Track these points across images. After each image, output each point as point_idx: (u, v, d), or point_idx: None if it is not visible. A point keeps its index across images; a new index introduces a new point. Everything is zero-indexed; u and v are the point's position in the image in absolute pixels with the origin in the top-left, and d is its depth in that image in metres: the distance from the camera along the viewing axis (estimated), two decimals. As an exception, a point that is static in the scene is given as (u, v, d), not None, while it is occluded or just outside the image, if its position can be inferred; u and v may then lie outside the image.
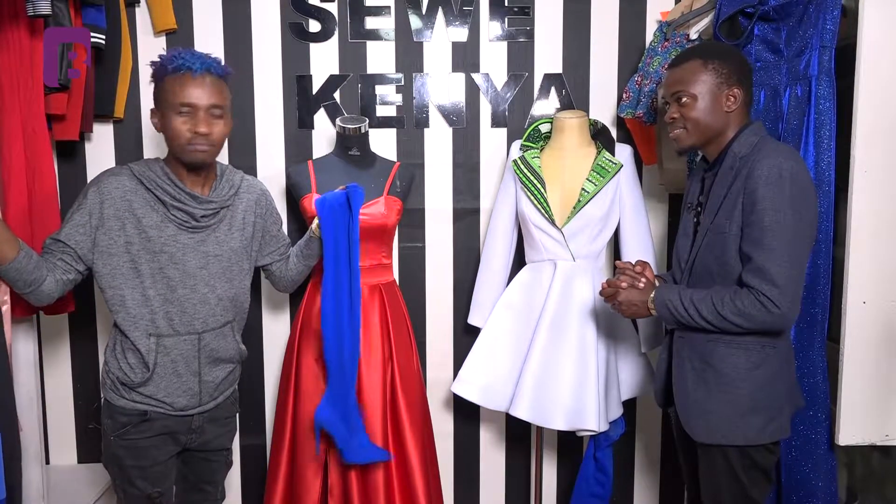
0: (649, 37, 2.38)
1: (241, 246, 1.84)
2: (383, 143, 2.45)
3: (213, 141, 1.69)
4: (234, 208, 1.82)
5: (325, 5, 2.41)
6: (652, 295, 1.67)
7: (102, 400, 1.79)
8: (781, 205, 1.51)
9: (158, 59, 1.69)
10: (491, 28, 2.44)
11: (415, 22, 2.42)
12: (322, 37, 2.43)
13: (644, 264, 1.78)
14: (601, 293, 1.80)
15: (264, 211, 1.91)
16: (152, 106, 1.74)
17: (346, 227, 1.91)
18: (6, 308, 1.82)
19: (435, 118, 2.48)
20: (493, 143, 2.49)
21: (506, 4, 2.43)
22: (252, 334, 2.54)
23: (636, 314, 1.73)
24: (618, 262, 1.83)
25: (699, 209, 1.72)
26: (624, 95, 2.30)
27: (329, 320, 1.95)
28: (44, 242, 1.71)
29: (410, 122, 2.47)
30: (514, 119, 2.47)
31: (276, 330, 2.53)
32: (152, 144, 2.43)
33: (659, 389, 1.82)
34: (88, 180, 2.36)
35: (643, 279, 1.74)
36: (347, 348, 1.95)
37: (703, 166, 1.74)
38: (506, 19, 2.43)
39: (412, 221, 2.50)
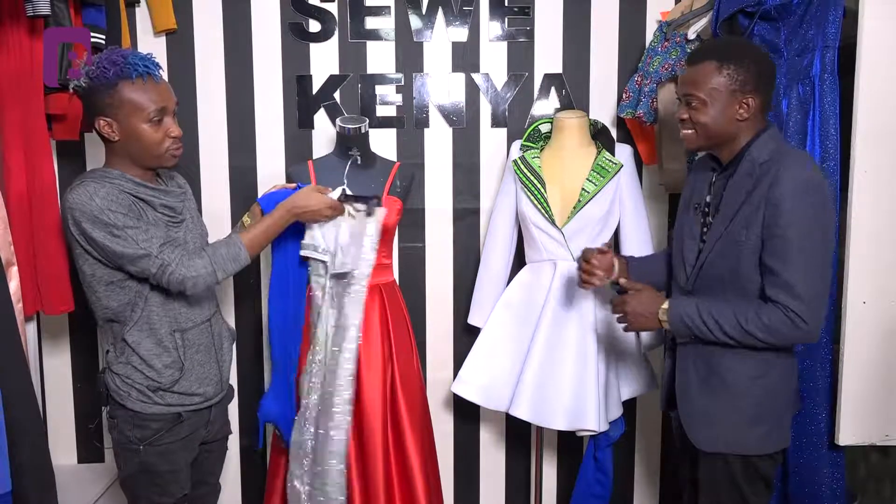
0: (649, 37, 2.38)
1: (202, 233, 1.86)
2: (383, 143, 2.45)
3: (181, 140, 1.70)
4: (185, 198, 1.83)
5: (325, 5, 2.41)
6: (664, 306, 1.62)
7: (122, 413, 1.71)
8: (807, 218, 1.48)
9: (101, 65, 1.58)
10: (491, 28, 2.44)
11: (415, 22, 2.42)
12: (322, 37, 2.43)
13: (601, 255, 1.82)
14: (613, 311, 1.74)
15: (192, 198, 1.90)
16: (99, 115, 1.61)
17: (299, 226, 1.99)
18: (20, 307, 1.83)
19: (435, 118, 2.48)
20: (493, 143, 2.49)
21: (506, 4, 2.43)
22: (252, 334, 2.54)
23: (644, 326, 1.68)
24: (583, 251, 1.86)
25: (706, 210, 1.68)
26: (624, 95, 2.30)
27: (276, 314, 2.07)
28: (157, 255, 1.61)
29: (410, 122, 2.47)
30: (514, 119, 2.47)
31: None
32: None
33: (664, 395, 1.79)
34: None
35: (598, 272, 1.79)
36: (291, 342, 2.07)
37: (711, 165, 1.70)
38: (506, 19, 2.43)
39: (412, 221, 2.50)
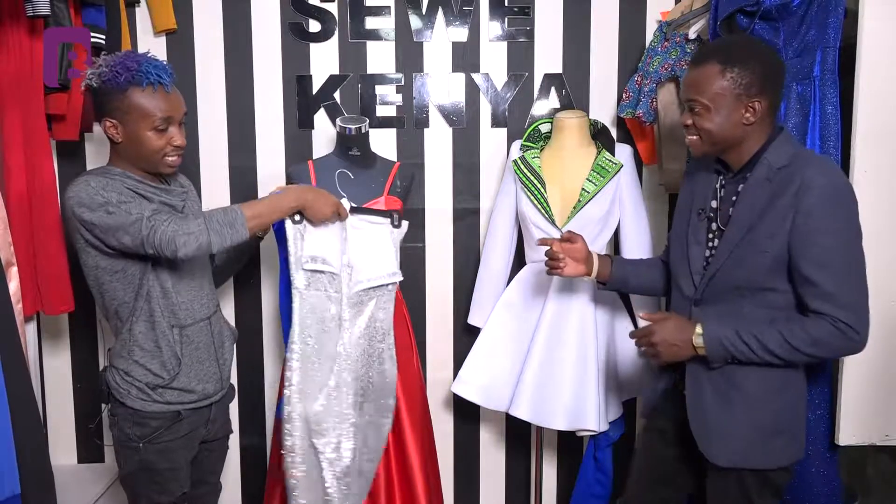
0: (649, 37, 2.38)
1: None
2: (383, 143, 2.45)
3: (183, 150, 1.72)
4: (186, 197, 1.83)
5: (325, 5, 2.41)
6: (698, 331, 1.54)
7: (122, 411, 1.72)
8: (842, 225, 1.46)
9: (114, 69, 1.60)
10: (491, 28, 2.44)
11: (415, 22, 2.42)
12: (322, 37, 2.43)
13: (568, 243, 1.82)
14: (636, 343, 1.65)
15: (195, 198, 1.91)
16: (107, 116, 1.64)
17: None
18: (20, 307, 1.83)
19: (435, 118, 2.47)
20: (493, 143, 2.49)
21: (506, 4, 2.42)
22: (252, 334, 2.54)
23: (678, 356, 1.57)
24: (545, 243, 1.86)
25: (711, 215, 1.62)
26: (624, 95, 2.30)
27: (287, 316, 2.02)
28: (149, 216, 1.59)
29: (410, 122, 2.47)
30: (514, 119, 2.47)
31: (275, 331, 2.53)
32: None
33: (657, 406, 1.76)
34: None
35: (563, 260, 1.79)
36: None
37: (714, 168, 1.65)
38: (506, 19, 2.43)
39: (412, 221, 2.48)
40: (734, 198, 1.58)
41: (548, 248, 1.85)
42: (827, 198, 1.44)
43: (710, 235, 1.62)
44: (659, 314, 1.62)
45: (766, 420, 1.55)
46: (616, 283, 1.90)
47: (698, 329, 1.54)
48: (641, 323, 1.71)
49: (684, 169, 2.19)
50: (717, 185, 1.64)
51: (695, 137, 1.58)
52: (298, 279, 1.93)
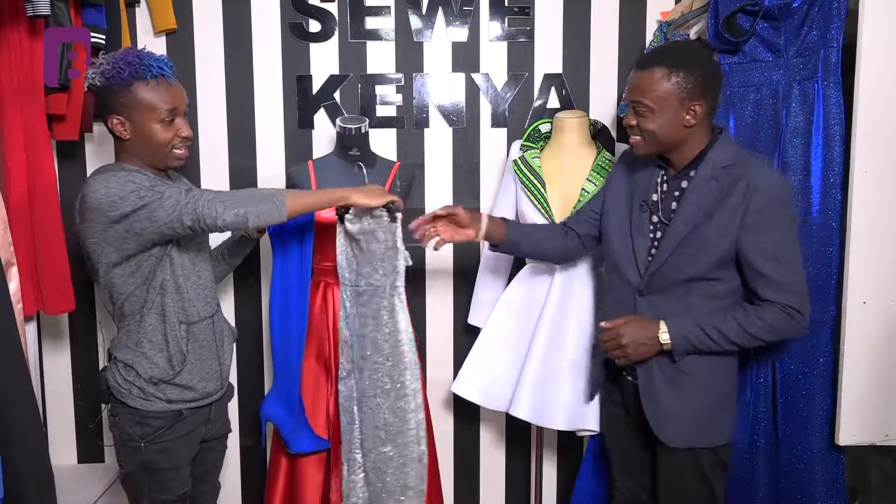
0: (649, 37, 2.38)
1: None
2: (383, 143, 2.45)
3: (190, 141, 1.73)
4: None
5: (325, 5, 2.41)
6: (663, 328, 1.63)
7: (123, 410, 1.72)
8: (786, 220, 1.59)
9: (117, 65, 1.61)
10: (491, 28, 2.44)
11: (415, 22, 2.42)
12: (322, 37, 2.43)
13: (447, 210, 1.86)
14: (606, 348, 1.71)
15: None
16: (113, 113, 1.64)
17: (300, 228, 2.00)
18: (20, 307, 1.83)
19: (435, 118, 2.48)
20: (493, 143, 2.49)
21: (506, 4, 2.43)
22: (252, 334, 2.54)
23: (645, 354, 1.66)
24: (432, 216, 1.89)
25: (652, 208, 1.71)
26: (624, 95, 2.30)
27: (276, 318, 2.05)
28: (186, 190, 1.63)
29: (410, 122, 2.47)
30: (514, 119, 2.47)
31: (276, 330, 2.53)
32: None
33: (610, 392, 1.86)
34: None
35: (435, 232, 1.86)
36: (294, 346, 2.04)
37: (657, 162, 1.72)
38: (506, 19, 2.43)
39: (412, 221, 2.49)
40: (677, 193, 1.67)
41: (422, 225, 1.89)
42: (774, 197, 1.56)
43: (652, 227, 1.71)
44: (621, 318, 1.69)
45: (712, 402, 1.68)
46: (509, 246, 1.96)
47: (663, 326, 1.64)
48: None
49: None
50: (659, 179, 1.72)
51: (638, 138, 1.66)
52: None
